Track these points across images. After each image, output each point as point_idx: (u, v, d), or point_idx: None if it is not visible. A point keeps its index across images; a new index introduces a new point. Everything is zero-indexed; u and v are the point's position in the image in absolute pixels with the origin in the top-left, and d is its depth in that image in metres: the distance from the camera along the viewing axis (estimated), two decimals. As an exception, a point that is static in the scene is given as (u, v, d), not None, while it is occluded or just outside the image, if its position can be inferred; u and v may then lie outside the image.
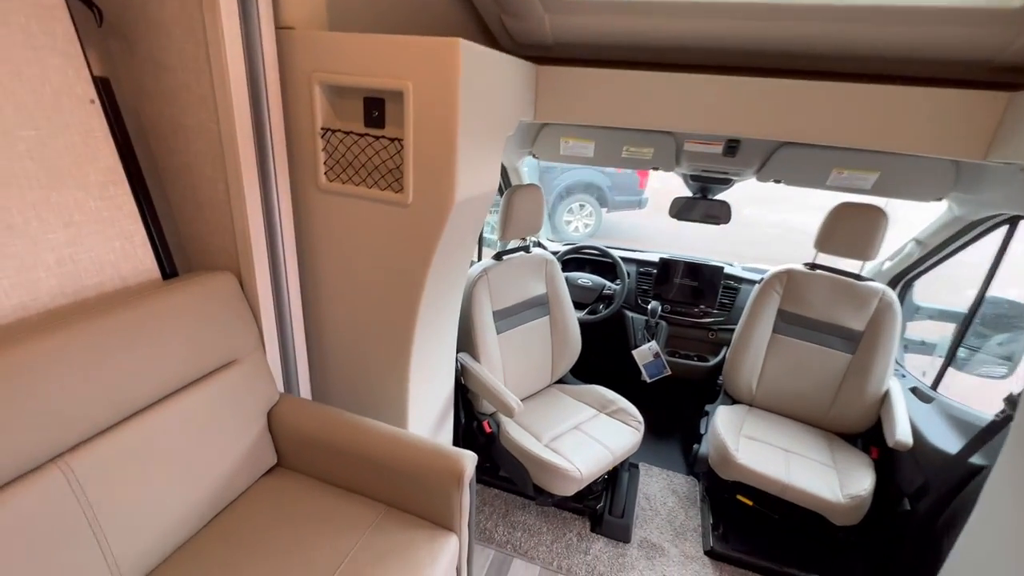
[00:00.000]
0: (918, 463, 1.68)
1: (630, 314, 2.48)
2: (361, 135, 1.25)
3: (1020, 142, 1.15)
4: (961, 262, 1.99)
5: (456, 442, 1.98)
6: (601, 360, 2.54)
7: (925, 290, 2.22)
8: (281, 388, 1.45)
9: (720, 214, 2.22)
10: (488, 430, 1.89)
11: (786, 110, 1.42)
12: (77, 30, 1.03)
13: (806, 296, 2.01)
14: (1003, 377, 1.84)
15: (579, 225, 6.32)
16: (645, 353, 2.30)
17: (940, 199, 1.77)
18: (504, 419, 1.90)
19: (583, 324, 2.30)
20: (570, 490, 1.71)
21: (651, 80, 1.48)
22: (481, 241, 2.53)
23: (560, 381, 2.25)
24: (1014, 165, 1.33)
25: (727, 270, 2.44)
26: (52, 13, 0.98)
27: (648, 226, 7.01)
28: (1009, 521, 1.09)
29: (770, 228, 7.17)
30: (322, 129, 1.27)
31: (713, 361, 2.41)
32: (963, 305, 1.89)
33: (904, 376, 2.02)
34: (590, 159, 2.04)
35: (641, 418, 1.96)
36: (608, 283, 2.54)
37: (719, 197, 2.25)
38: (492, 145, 1.37)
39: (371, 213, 1.31)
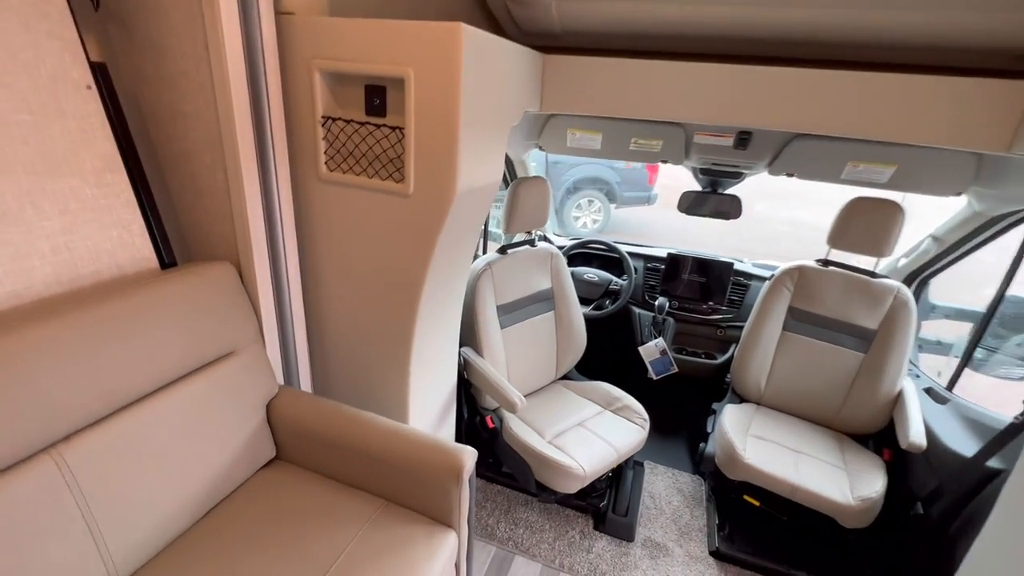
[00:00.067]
0: (932, 466, 1.63)
1: (637, 310, 2.45)
2: (362, 123, 1.23)
3: (1047, 133, 1.10)
4: (980, 260, 1.93)
5: (459, 437, 1.96)
6: (607, 356, 2.50)
7: (941, 288, 2.15)
8: (281, 380, 1.43)
9: (730, 209, 2.18)
10: (491, 425, 1.87)
11: (800, 100, 1.38)
12: (74, 14, 1.01)
13: (818, 293, 1.96)
14: (1022, 379, 1.79)
15: (587, 221, 6.27)
16: (652, 350, 2.26)
17: (959, 194, 1.72)
18: (507, 415, 1.88)
19: (589, 320, 2.27)
20: (573, 487, 1.68)
21: (660, 69, 1.44)
22: (486, 235, 2.50)
23: (565, 377, 2.22)
24: (1040, 158, 1.27)
25: (737, 266, 2.39)
26: (48, -4, 0.96)
27: (657, 222, 6.94)
28: (1028, 528, 1.05)
29: (781, 225, 7.07)
30: (323, 117, 1.25)
31: (721, 359, 2.36)
32: (981, 304, 1.83)
33: (918, 376, 1.97)
34: (597, 151, 2.00)
35: (647, 416, 1.93)
36: (615, 278, 2.50)
37: (730, 192, 2.20)
38: (496, 135, 1.34)
39: (372, 204, 1.28)
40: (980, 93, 1.22)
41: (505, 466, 1.88)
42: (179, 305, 1.12)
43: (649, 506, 2.03)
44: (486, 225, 2.46)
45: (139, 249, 1.15)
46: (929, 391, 1.87)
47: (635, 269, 2.46)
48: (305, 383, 1.54)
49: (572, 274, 2.43)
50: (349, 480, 1.31)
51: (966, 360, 1.82)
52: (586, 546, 1.82)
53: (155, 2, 1.10)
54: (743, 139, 1.79)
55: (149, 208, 1.19)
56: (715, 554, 1.81)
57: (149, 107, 1.21)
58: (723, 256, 2.44)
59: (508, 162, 2.34)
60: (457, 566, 1.28)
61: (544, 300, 2.09)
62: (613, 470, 2.05)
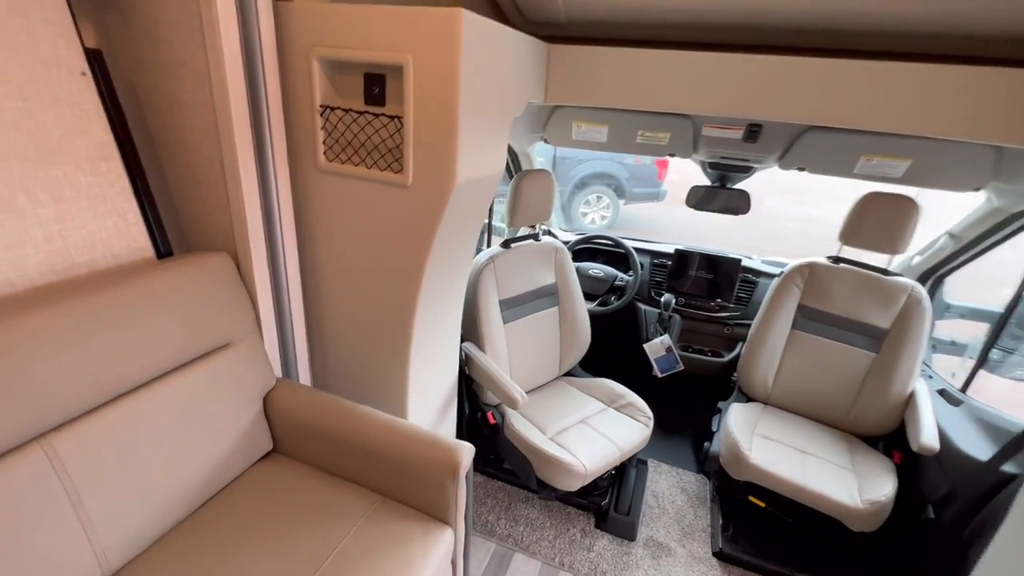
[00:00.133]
0: (944, 469, 1.59)
1: (643, 307, 2.41)
2: (360, 113, 1.20)
3: (1072, 125, 1.05)
4: (998, 258, 1.87)
5: (460, 433, 1.94)
6: (611, 353, 2.47)
7: (957, 287, 2.10)
8: (279, 373, 1.42)
9: (739, 205, 2.13)
10: (492, 421, 1.85)
11: (812, 91, 1.33)
12: (68, 0, 1.00)
13: (828, 291, 1.91)
14: (1040, 381, 1.74)
15: (596, 217, 6.22)
16: (657, 347, 2.23)
17: (978, 189, 1.66)
18: (509, 411, 1.86)
19: (593, 316, 2.24)
20: (574, 485, 1.66)
21: (668, 59, 1.40)
22: (490, 229, 2.47)
23: (569, 374, 2.19)
24: (1063, 151, 1.22)
25: (745, 263, 2.35)
26: (41, -20, 0.95)
27: (666, 218, 6.87)
28: (1045, 535, 1.01)
29: (791, 221, 6.97)
30: (321, 107, 1.23)
31: (728, 357, 2.32)
32: (998, 304, 1.78)
33: (931, 377, 1.92)
34: (603, 144, 1.96)
35: (650, 413, 1.90)
36: (620, 274, 2.47)
37: (738, 186, 2.16)
38: (498, 126, 1.31)
39: (371, 194, 1.26)
40: (1000, 83, 1.17)
41: (506, 463, 1.86)
42: (175, 295, 1.11)
43: (652, 505, 2.00)
44: (490, 219, 2.43)
45: (135, 238, 1.14)
46: (942, 392, 1.82)
47: (641, 265, 2.42)
48: (304, 376, 1.53)
49: (577, 269, 2.41)
50: (346, 474, 1.29)
51: (982, 361, 1.77)
52: (587, 544, 1.80)
53: (151, -12, 1.09)
54: (753, 132, 1.74)
55: (145, 197, 1.18)
56: (718, 555, 1.78)
57: (146, 95, 1.20)
58: (731, 252, 2.39)
59: (513, 155, 2.31)
60: (454, 563, 1.26)
61: (548, 295, 2.07)
62: (616, 468, 2.02)
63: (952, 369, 1.97)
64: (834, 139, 1.66)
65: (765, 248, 2.55)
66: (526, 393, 2.00)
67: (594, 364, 2.28)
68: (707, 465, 1.94)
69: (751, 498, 1.80)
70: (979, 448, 1.52)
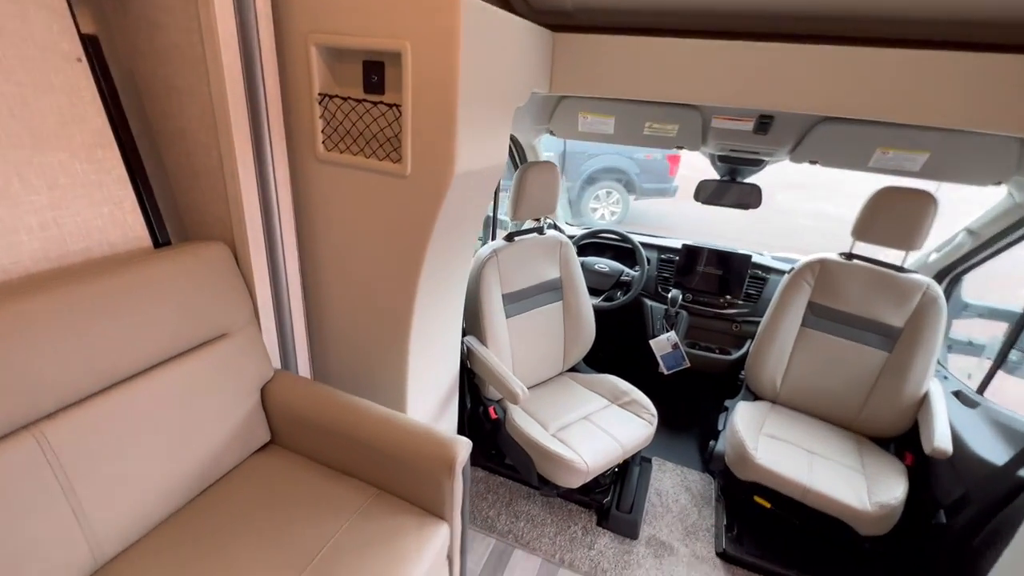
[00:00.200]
0: (957, 473, 1.54)
1: (649, 302, 2.37)
2: (359, 101, 1.18)
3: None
4: (1019, 256, 1.80)
5: (461, 427, 1.93)
6: (617, 349, 2.44)
7: (975, 286, 2.03)
8: (277, 364, 1.41)
9: (749, 199, 2.08)
10: (494, 416, 1.83)
11: (825, 81, 1.29)
12: (63, -16, 0.99)
13: (840, 288, 1.86)
14: (1061, 383, 1.67)
15: (605, 212, 6.17)
16: (663, 343, 2.19)
17: (999, 183, 1.60)
18: (511, 406, 1.84)
19: (598, 311, 2.21)
20: (575, 482, 1.63)
21: (676, 48, 1.36)
22: (495, 222, 2.45)
23: (573, 369, 2.17)
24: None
25: (755, 259, 2.30)
26: (35, -36, 0.94)
27: (677, 214, 6.79)
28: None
29: (804, 218, 6.84)
30: (319, 95, 1.21)
31: (736, 354, 2.28)
32: (1019, 304, 1.72)
33: (946, 378, 1.86)
34: (610, 136, 1.92)
35: (655, 411, 1.87)
36: (627, 269, 2.43)
37: (749, 180, 2.11)
38: (499, 116, 1.28)
39: (370, 184, 1.25)
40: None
41: (507, 458, 1.85)
42: (170, 285, 1.10)
43: (655, 504, 1.97)
44: (495, 212, 2.40)
45: (131, 227, 1.13)
46: (958, 394, 1.76)
47: (648, 260, 2.38)
48: (303, 368, 1.53)
49: (582, 264, 2.38)
50: (342, 467, 1.28)
51: (1000, 362, 1.71)
52: (588, 542, 1.78)
53: (148, -28, 1.07)
54: (764, 123, 1.69)
55: (142, 186, 1.17)
56: (722, 555, 1.75)
57: (144, 82, 1.19)
58: (741, 248, 2.34)
59: (519, 147, 2.28)
60: (450, 558, 1.25)
61: (552, 290, 2.04)
62: (619, 466, 1.99)
63: (968, 370, 1.92)
64: (848, 131, 1.61)
65: (779, 246, 2.49)
66: (529, 388, 1.99)
67: (599, 360, 2.25)
68: (712, 464, 1.91)
69: (756, 498, 1.76)
70: (995, 452, 1.47)
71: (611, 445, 1.71)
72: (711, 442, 1.94)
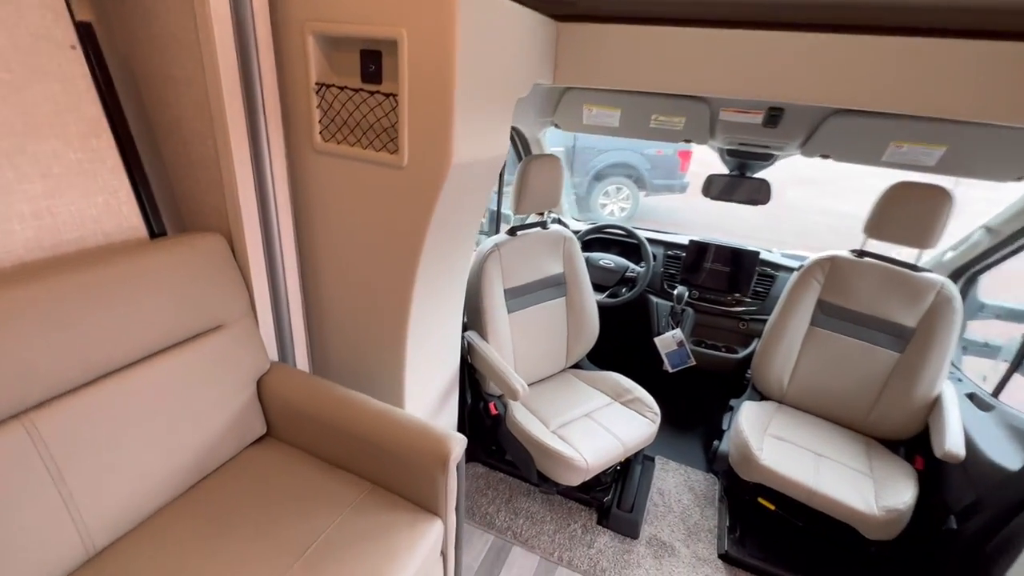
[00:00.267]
0: (970, 478, 1.49)
1: (655, 299, 2.34)
2: (356, 90, 1.17)
3: None
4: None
5: (462, 423, 1.92)
6: (621, 347, 2.41)
7: (993, 285, 1.97)
8: (275, 357, 1.41)
9: (758, 194, 2.03)
10: (494, 412, 1.82)
11: (837, 71, 1.24)
12: (57, -30, 0.98)
13: (851, 286, 1.81)
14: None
15: (615, 209, 6.11)
16: (668, 341, 2.16)
17: (1020, 179, 1.54)
18: (511, 401, 1.82)
19: (603, 307, 2.18)
20: (575, 480, 1.61)
21: (684, 37, 1.33)
22: (499, 216, 2.42)
23: (576, 366, 2.14)
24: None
25: (764, 256, 2.25)
26: (28, -50, 0.93)
27: (687, 210, 6.71)
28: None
29: (818, 215, 6.71)
30: (316, 84, 1.19)
31: (743, 353, 2.24)
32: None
33: (960, 380, 1.80)
34: (615, 129, 1.88)
35: (658, 409, 1.84)
36: (632, 265, 2.39)
37: (759, 175, 2.06)
38: (499, 107, 1.26)
39: (367, 176, 1.23)
40: (1049, 61, 1.06)
41: (508, 454, 1.83)
42: (165, 275, 1.09)
43: (657, 503, 1.94)
44: (499, 206, 2.38)
45: (126, 217, 1.13)
46: (972, 397, 1.71)
47: (654, 256, 2.34)
48: (302, 361, 1.52)
49: (587, 259, 2.34)
50: (337, 461, 1.27)
51: (1016, 364, 1.66)
52: (588, 541, 1.76)
53: (143, -41, 1.06)
54: (774, 116, 1.64)
55: (138, 176, 1.17)
56: (724, 557, 1.72)
57: (141, 71, 1.18)
58: (749, 245, 2.29)
59: (523, 141, 2.25)
60: (444, 555, 1.23)
61: (555, 285, 2.01)
62: (621, 464, 1.97)
63: (984, 372, 1.86)
64: (861, 123, 1.55)
65: (792, 244, 2.44)
66: (531, 385, 1.97)
67: (603, 357, 2.23)
68: (716, 464, 1.87)
69: (760, 500, 1.73)
70: (1009, 457, 1.42)
71: (612, 443, 1.68)
72: (715, 442, 1.91)
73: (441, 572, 1.25)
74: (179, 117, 1.19)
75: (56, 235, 1.01)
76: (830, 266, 1.83)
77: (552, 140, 2.39)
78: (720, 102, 1.67)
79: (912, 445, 1.74)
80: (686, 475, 2.10)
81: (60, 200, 1.01)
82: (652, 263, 2.29)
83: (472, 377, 1.90)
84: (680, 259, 2.35)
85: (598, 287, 2.34)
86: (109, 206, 1.09)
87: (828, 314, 1.85)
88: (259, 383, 1.31)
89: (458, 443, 1.14)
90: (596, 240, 2.58)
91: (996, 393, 1.69)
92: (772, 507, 1.71)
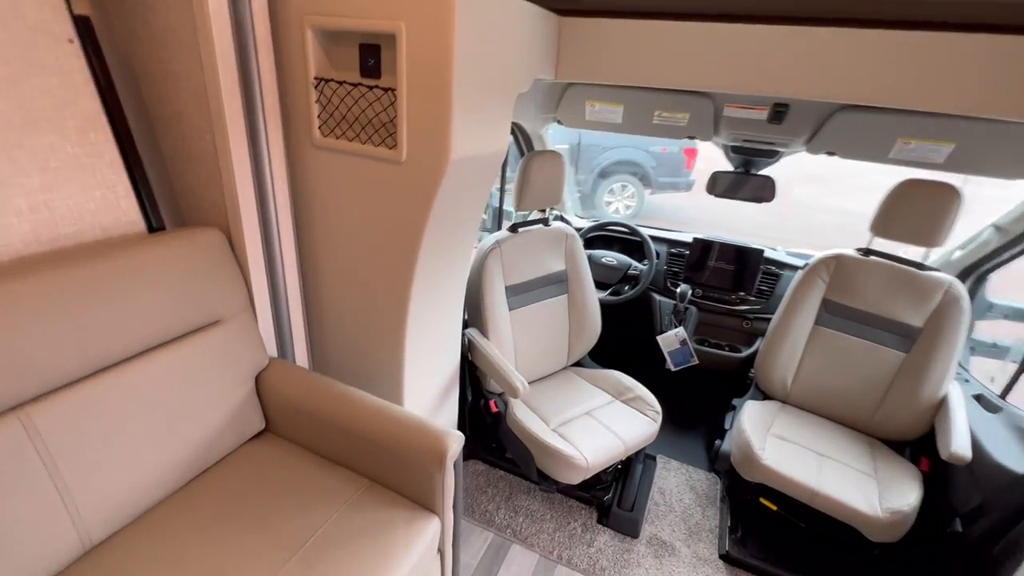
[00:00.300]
0: (976, 480, 1.47)
1: (658, 297, 2.32)
2: (354, 85, 1.16)
3: None
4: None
5: (462, 420, 1.91)
6: (623, 345, 2.40)
7: (1003, 285, 1.93)
8: (274, 353, 1.41)
9: (763, 192, 2.01)
10: (495, 410, 1.81)
11: (843, 66, 1.22)
12: (55, -36, 0.98)
13: (856, 285, 1.79)
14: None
15: (620, 206, 6.09)
16: (671, 339, 2.14)
17: (1031, 177, 1.51)
18: (512, 399, 1.81)
19: (605, 305, 2.16)
20: (574, 478, 1.60)
21: (687, 32, 1.31)
22: (501, 214, 2.41)
23: (577, 364, 2.13)
24: None
25: (768, 254, 2.23)
26: (26, -57, 0.93)
27: (693, 208, 6.67)
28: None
29: (826, 214, 6.65)
30: (315, 79, 1.18)
31: (746, 352, 2.22)
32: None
33: (968, 381, 1.78)
34: (618, 125, 1.87)
35: (659, 408, 1.82)
36: (635, 263, 2.38)
37: (763, 172, 2.03)
38: (499, 102, 1.24)
39: (366, 171, 1.22)
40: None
41: (508, 452, 1.82)
42: (163, 269, 1.09)
43: (658, 502, 1.93)
44: (500, 203, 2.36)
45: (124, 212, 1.13)
46: (979, 398, 1.68)
47: (657, 254, 2.32)
48: (301, 357, 1.52)
49: (589, 257, 2.33)
50: (335, 457, 1.27)
51: (1025, 365, 1.63)
52: (587, 539, 1.75)
53: (141, -48, 1.06)
54: (779, 112, 1.62)
55: (136, 170, 1.16)
56: (725, 557, 1.70)
57: (141, 66, 1.18)
58: (754, 243, 2.27)
59: (525, 137, 2.24)
60: (441, 552, 1.23)
61: (557, 283, 2.00)
62: (622, 462, 1.96)
63: (992, 373, 1.83)
64: (868, 120, 1.53)
65: (798, 243, 2.40)
66: (532, 383, 1.96)
67: (605, 355, 2.21)
68: (718, 464, 1.86)
69: (763, 500, 1.71)
70: (1016, 459, 1.39)
71: (613, 442, 1.67)
72: (717, 441, 1.90)
73: (438, 569, 1.25)
74: (179, 112, 1.19)
75: (54, 229, 1.01)
76: (835, 265, 1.81)
77: (557, 137, 2.38)
78: (724, 98, 1.65)
79: (918, 446, 1.72)
80: (688, 474, 2.09)
81: (58, 194, 1.01)
82: (655, 261, 2.27)
83: (473, 374, 1.89)
84: (683, 257, 2.33)
85: (600, 285, 2.33)
86: (107, 200, 1.09)
87: (833, 313, 1.83)
88: (258, 379, 1.31)
89: (455, 440, 1.13)
90: (599, 237, 2.56)
91: (1004, 394, 1.66)
92: (774, 508, 1.69)
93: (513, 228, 1.90)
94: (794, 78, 1.27)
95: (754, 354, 2.12)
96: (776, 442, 1.68)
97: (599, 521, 1.83)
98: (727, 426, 1.94)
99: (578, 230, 2.33)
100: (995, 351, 1.94)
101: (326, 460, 1.27)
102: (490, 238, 1.86)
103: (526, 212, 1.98)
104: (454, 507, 1.21)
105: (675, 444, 2.25)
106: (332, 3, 1.08)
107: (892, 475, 1.58)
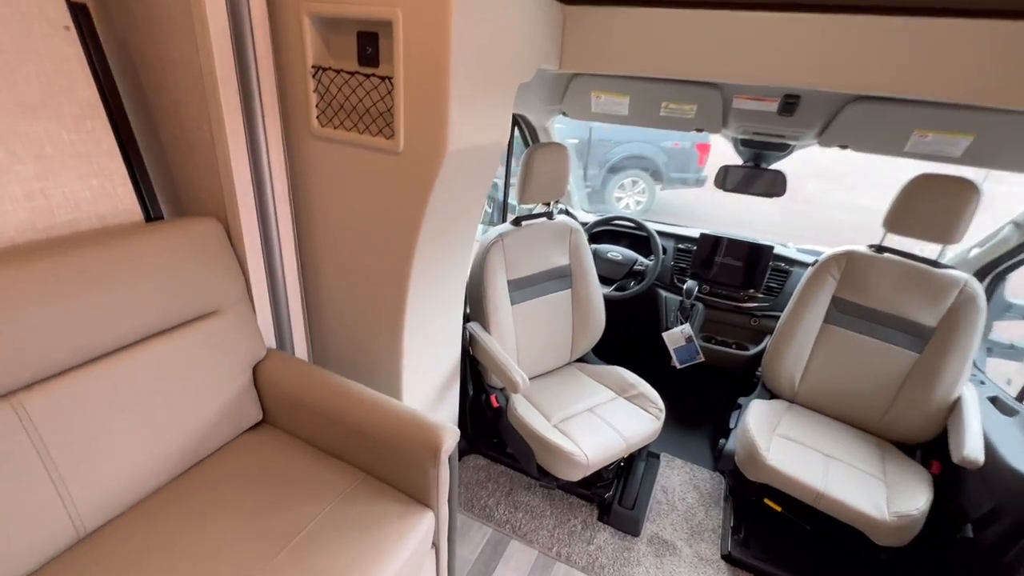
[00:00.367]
0: (989, 484, 1.42)
1: (664, 293, 2.29)
2: (352, 74, 1.14)
3: None
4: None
5: (463, 415, 1.90)
6: (628, 341, 2.36)
7: (1022, 285, 1.87)
8: (272, 344, 1.40)
9: (773, 187, 1.96)
10: (496, 404, 1.80)
11: (857, 55, 1.18)
12: (51, -50, 0.97)
13: (868, 283, 1.74)
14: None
15: (630, 202, 6.02)
16: (677, 336, 2.11)
17: (1053, 172, 1.45)
18: (513, 394, 1.79)
19: (610, 301, 2.13)
20: (575, 475, 1.58)
21: (695, 20, 1.27)
22: (506, 207, 2.39)
23: (581, 360, 2.10)
24: None
25: (778, 250, 2.18)
26: (20, -72, 0.92)
27: (704, 205, 6.58)
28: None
29: (841, 212, 6.51)
30: (313, 67, 1.17)
31: (754, 350, 2.17)
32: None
33: (983, 383, 1.72)
34: (624, 117, 1.83)
35: (662, 405, 1.79)
36: (641, 258, 2.34)
37: (774, 167, 1.98)
38: (500, 92, 1.22)
39: (363, 161, 1.21)
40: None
41: (509, 447, 1.81)
42: (159, 259, 1.09)
43: (661, 501, 1.90)
44: (505, 196, 2.34)
45: (121, 200, 1.12)
46: (994, 400, 1.63)
47: (664, 249, 2.29)
48: (300, 348, 1.51)
49: (594, 252, 2.30)
50: (331, 450, 1.27)
51: (1043, 368, 1.57)
52: (587, 537, 1.73)
53: (137, -62, 1.05)
54: (789, 103, 1.57)
55: (134, 159, 1.16)
56: (727, 558, 1.68)
57: (139, 53, 1.17)
58: (763, 239, 2.22)
59: (530, 129, 2.21)
60: (436, 546, 1.22)
61: (560, 277, 1.97)
62: (624, 460, 1.94)
63: (1008, 375, 1.77)
64: (882, 111, 1.48)
65: (813, 241, 2.34)
66: (534, 378, 1.95)
67: (609, 352, 2.19)
68: (722, 463, 1.83)
69: (767, 501, 1.68)
70: (1031, 464, 1.35)
71: (614, 439, 1.65)
72: (721, 440, 1.86)
73: (433, 564, 1.24)
74: (177, 101, 1.19)
75: (49, 217, 1.01)
76: (846, 261, 1.76)
77: (567, 131, 2.35)
78: (733, 89, 1.61)
79: (929, 449, 1.67)
80: (692, 473, 2.06)
81: (53, 182, 1.01)
82: (661, 256, 2.24)
83: (474, 369, 1.88)
84: (691, 253, 2.29)
85: (606, 280, 2.30)
86: (104, 189, 1.09)
87: (843, 311, 1.78)
88: (255, 370, 1.31)
89: (450, 435, 1.12)
90: (606, 232, 2.53)
91: (1021, 397, 1.61)
92: (779, 509, 1.66)
93: (516, 221, 1.88)
94: (806, 68, 1.23)
95: (761, 352, 2.08)
96: (781, 442, 1.64)
97: (599, 518, 1.81)
98: (732, 425, 1.90)
99: (584, 224, 2.30)
100: (1012, 353, 1.89)
101: (322, 452, 1.27)
102: (493, 231, 1.84)
103: (531, 206, 1.95)
104: (449, 501, 1.20)
105: (679, 442, 2.22)
106: (330, -11, 1.07)
107: (901, 478, 1.54)
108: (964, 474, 1.51)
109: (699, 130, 1.84)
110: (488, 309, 1.78)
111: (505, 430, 1.77)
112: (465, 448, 2.05)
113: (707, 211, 6.50)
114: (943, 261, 1.69)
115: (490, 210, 2.91)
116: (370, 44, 1.12)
